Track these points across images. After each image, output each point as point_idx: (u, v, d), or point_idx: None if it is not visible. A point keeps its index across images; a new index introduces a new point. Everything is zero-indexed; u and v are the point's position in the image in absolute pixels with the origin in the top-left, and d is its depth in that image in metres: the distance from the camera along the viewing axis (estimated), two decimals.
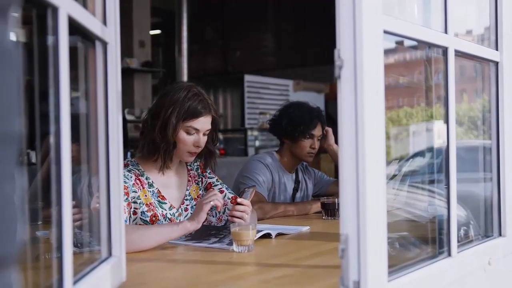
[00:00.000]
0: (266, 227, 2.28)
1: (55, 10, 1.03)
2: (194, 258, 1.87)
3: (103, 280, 1.33)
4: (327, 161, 6.83)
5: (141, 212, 2.23)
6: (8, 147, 0.61)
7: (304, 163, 3.30)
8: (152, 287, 1.61)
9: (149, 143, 2.27)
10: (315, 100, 6.52)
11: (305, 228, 2.45)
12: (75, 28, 1.15)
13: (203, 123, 2.29)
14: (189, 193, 2.43)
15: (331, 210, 2.74)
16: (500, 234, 1.89)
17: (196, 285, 1.58)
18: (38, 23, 1.07)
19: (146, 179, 2.30)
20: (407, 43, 1.61)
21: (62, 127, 1.05)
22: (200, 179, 2.49)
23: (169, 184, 2.37)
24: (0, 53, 0.61)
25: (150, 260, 1.91)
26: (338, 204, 2.75)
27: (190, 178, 2.46)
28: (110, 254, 1.43)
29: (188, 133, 2.26)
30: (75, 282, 1.13)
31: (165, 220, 2.28)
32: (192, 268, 1.77)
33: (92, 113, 1.41)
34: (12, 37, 0.64)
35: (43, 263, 1.35)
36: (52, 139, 1.05)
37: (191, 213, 2.37)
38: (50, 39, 1.06)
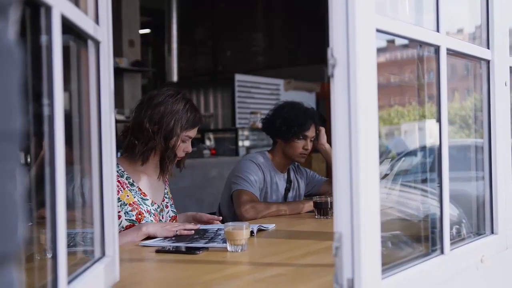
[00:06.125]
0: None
1: (48, 9, 1.02)
2: (188, 258, 1.87)
3: (97, 280, 1.32)
4: (318, 160, 6.85)
5: (124, 212, 2.30)
6: (10, 145, 0.62)
7: (296, 163, 3.30)
8: (145, 287, 1.60)
9: (150, 150, 2.36)
10: (306, 99, 6.52)
11: (271, 226, 2.46)
12: (67, 27, 1.15)
13: (196, 131, 2.46)
14: (167, 192, 2.57)
15: (323, 209, 2.75)
16: (492, 232, 1.90)
17: (191, 285, 1.57)
18: (30, 21, 1.06)
19: (126, 179, 2.38)
20: (398, 41, 1.62)
21: (56, 127, 1.04)
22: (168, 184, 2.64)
23: (149, 183, 2.46)
24: (2, 51, 0.61)
25: (143, 260, 1.91)
26: (330, 203, 2.75)
27: (166, 180, 2.59)
28: (103, 254, 1.42)
29: (183, 141, 2.40)
30: (69, 282, 1.12)
31: (150, 216, 2.37)
32: (186, 268, 1.77)
33: (85, 113, 1.41)
34: (13, 36, 0.64)
35: (35, 264, 1.35)
36: (45, 140, 1.05)
37: (171, 210, 2.53)
38: (43, 38, 1.05)
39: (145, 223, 2.27)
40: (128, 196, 2.33)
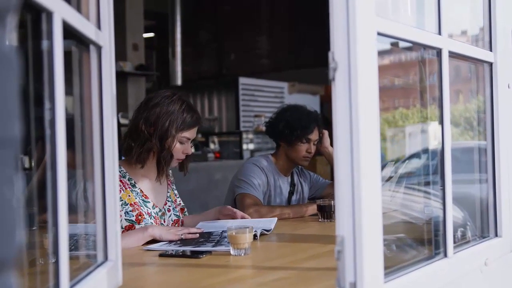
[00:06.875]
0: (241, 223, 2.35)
1: (49, 14, 1.03)
2: (191, 262, 1.87)
3: (100, 284, 1.32)
4: (322, 163, 6.84)
5: (125, 212, 2.31)
6: (8, 151, 0.62)
7: (300, 166, 3.30)
8: None
9: (146, 152, 2.36)
10: (310, 102, 6.53)
11: (274, 221, 2.51)
12: (69, 32, 1.15)
13: (195, 132, 2.45)
14: (169, 196, 2.56)
15: (327, 212, 2.74)
16: (496, 235, 1.89)
17: None
18: (32, 27, 1.07)
19: (129, 180, 2.39)
20: (402, 44, 1.61)
21: (57, 132, 1.04)
22: (173, 186, 2.63)
23: (151, 187, 2.46)
24: (0, 58, 0.61)
25: (146, 264, 1.91)
26: (334, 206, 2.74)
27: (169, 182, 2.59)
28: (106, 258, 1.43)
29: (180, 142, 2.40)
30: (71, 287, 1.13)
31: (150, 218, 2.37)
32: (189, 272, 1.77)
33: (87, 118, 1.41)
34: (11, 42, 0.64)
35: (38, 268, 1.35)
36: (47, 144, 1.05)
37: (174, 214, 2.52)
38: (44, 44, 1.05)
39: (150, 225, 2.27)
40: (129, 196, 2.34)
